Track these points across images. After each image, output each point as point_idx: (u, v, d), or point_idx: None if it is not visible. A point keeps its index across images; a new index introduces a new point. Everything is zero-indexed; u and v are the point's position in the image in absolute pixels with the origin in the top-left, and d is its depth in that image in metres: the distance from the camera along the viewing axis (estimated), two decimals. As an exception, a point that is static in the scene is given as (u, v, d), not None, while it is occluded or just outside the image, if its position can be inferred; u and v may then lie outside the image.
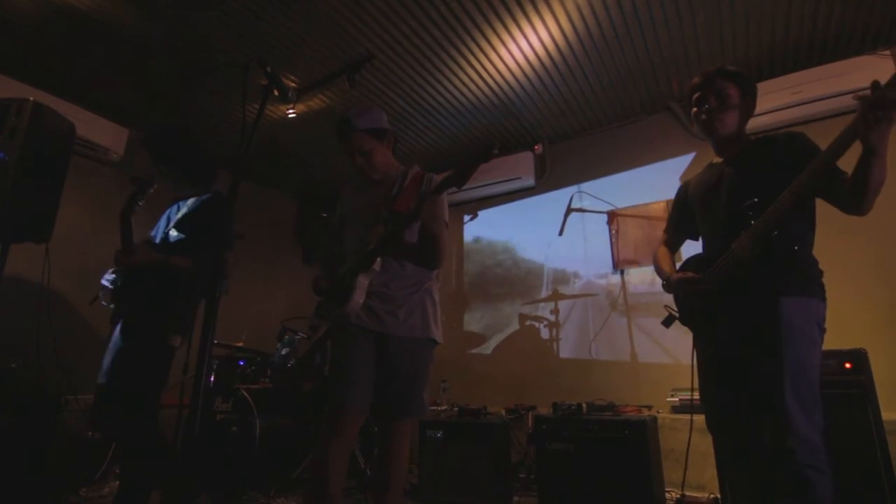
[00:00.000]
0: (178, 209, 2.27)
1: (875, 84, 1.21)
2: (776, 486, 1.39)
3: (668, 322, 1.79)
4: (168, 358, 2.07)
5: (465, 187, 4.64)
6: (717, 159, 1.76)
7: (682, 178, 3.68)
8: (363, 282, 1.68)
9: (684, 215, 1.86)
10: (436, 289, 1.88)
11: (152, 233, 2.32)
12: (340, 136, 1.85)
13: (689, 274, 1.65)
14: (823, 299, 1.51)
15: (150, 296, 2.07)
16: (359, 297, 1.66)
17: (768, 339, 1.44)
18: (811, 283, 1.51)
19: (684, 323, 1.76)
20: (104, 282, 2.14)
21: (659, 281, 1.87)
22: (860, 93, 1.23)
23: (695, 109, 1.69)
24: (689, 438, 2.29)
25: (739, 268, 1.48)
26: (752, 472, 1.52)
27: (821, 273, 1.54)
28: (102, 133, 3.74)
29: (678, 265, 1.82)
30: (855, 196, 1.37)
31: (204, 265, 2.06)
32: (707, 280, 1.57)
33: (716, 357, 1.62)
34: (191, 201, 2.26)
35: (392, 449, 1.72)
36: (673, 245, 1.92)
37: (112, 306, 2.12)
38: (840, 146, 1.31)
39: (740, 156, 1.66)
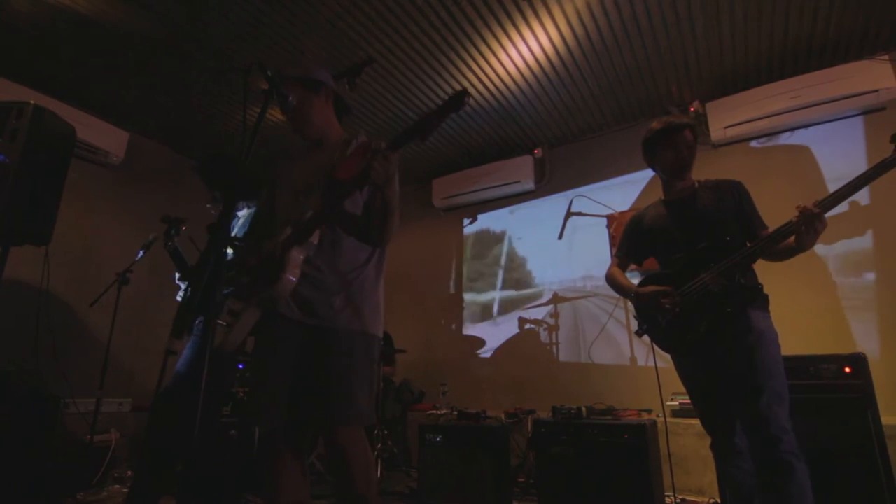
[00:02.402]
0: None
1: (809, 205, 1.60)
2: (763, 473, 1.58)
3: (640, 332, 1.96)
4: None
5: (464, 190, 4.68)
6: (666, 197, 2.02)
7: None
8: (297, 257, 1.43)
9: (636, 245, 2.10)
10: (379, 274, 1.62)
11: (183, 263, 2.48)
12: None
13: (661, 287, 1.83)
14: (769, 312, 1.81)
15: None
16: (290, 275, 1.41)
17: (744, 342, 1.67)
18: (766, 302, 1.77)
19: (650, 333, 1.93)
20: (178, 298, 2.34)
21: None
22: (800, 206, 1.61)
23: (668, 152, 1.92)
24: (668, 441, 2.31)
25: (707, 295, 1.75)
26: (736, 464, 1.72)
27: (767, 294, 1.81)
28: (103, 136, 3.75)
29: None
30: (778, 259, 1.75)
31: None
32: (676, 298, 1.80)
33: (689, 364, 1.84)
34: (241, 220, 2.44)
35: (338, 463, 1.43)
36: (623, 267, 2.15)
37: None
38: (786, 234, 1.67)
39: (692, 197, 1.93)
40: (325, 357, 1.44)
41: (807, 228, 1.59)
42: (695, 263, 1.80)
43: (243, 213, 2.47)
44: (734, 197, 1.88)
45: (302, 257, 1.44)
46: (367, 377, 1.49)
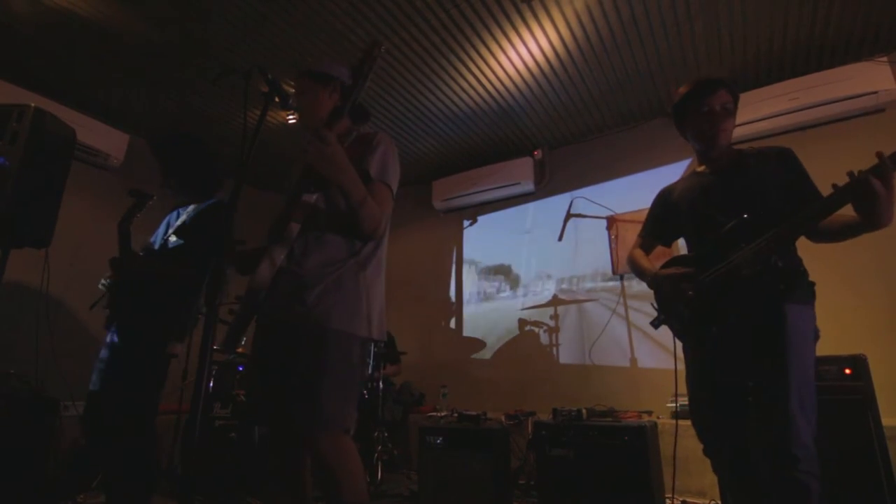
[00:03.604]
0: (178, 216, 2.28)
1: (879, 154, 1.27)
2: (775, 491, 1.40)
3: (657, 323, 1.76)
4: (165, 366, 2.07)
5: (464, 192, 4.67)
6: (701, 168, 1.78)
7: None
8: (274, 254, 1.39)
9: (662, 222, 1.87)
10: (369, 270, 1.50)
11: (151, 239, 2.33)
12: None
13: (682, 270, 1.62)
14: (814, 305, 1.55)
15: (149, 303, 2.07)
16: (264, 272, 1.37)
17: (774, 344, 1.45)
18: (808, 292, 1.54)
19: (669, 323, 1.74)
20: (101, 285, 2.16)
21: None
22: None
23: (698, 117, 1.67)
24: (675, 443, 2.29)
25: (736, 279, 1.50)
26: (744, 475, 1.54)
27: (812, 282, 1.56)
28: (103, 138, 3.75)
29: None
30: (833, 238, 1.47)
31: (202, 272, 2.06)
32: (700, 282, 1.57)
33: (708, 359, 1.62)
34: (190, 208, 2.27)
35: (320, 469, 1.35)
36: (647, 249, 1.91)
37: (107, 310, 2.13)
38: (834, 207, 1.36)
39: (732, 166, 1.67)
40: (294, 356, 1.37)
41: (871, 196, 1.26)
42: (727, 243, 1.54)
43: (187, 211, 2.26)
44: (780, 166, 1.60)
45: (281, 255, 1.40)
46: (339, 378, 1.38)
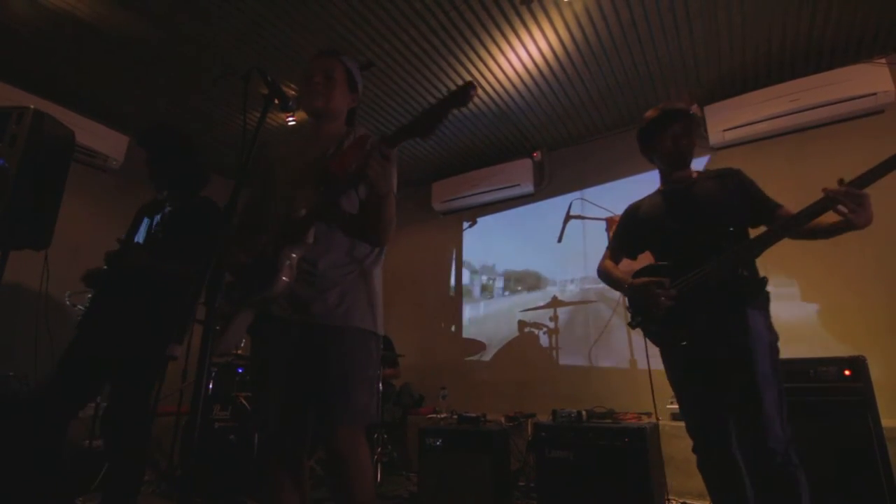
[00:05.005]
0: (163, 211, 2.25)
1: (840, 181, 1.47)
2: (760, 484, 1.52)
3: (633, 324, 1.88)
4: (164, 365, 2.08)
5: (464, 193, 4.67)
6: (665, 187, 1.95)
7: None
8: (291, 257, 1.39)
9: (630, 237, 2.02)
10: (376, 271, 1.57)
11: (124, 236, 2.29)
12: (319, 56, 1.66)
13: (655, 279, 1.75)
14: (769, 311, 1.71)
15: (148, 301, 2.07)
16: (286, 277, 1.37)
17: (739, 345, 1.59)
18: (766, 300, 1.69)
19: (644, 326, 1.85)
20: (83, 280, 2.18)
21: None
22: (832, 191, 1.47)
23: (666, 141, 1.86)
24: (660, 444, 2.31)
25: (708, 286, 1.66)
26: (729, 471, 1.62)
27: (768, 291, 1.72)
28: (102, 140, 3.76)
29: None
30: (804, 237, 1.64)
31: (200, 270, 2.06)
32: (675, 288, 1.72)
33: (683, 354, 1.75)
34: (176, 204, 2.25)
35: (336, 467, 1.38)
36: (616, 260, 2.06)
37: (82, 307, 2.13)
38: (814, 215, 1.54)
39: (696, 185, 1.85)
40: (322, 355, 1.39)
41: (850, 207, 1.45)
42: (694, 254, 1.70)
43: (173, 206, 2.23)
44: (737, 184, 1.80)
45: (296, 256, 1.40)
46: (365, 374, 1.43)
